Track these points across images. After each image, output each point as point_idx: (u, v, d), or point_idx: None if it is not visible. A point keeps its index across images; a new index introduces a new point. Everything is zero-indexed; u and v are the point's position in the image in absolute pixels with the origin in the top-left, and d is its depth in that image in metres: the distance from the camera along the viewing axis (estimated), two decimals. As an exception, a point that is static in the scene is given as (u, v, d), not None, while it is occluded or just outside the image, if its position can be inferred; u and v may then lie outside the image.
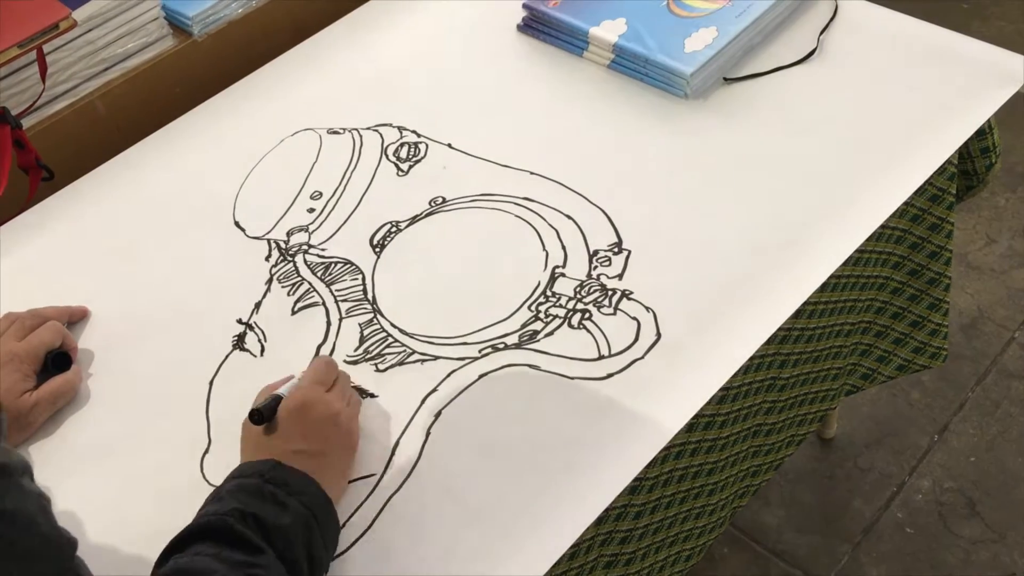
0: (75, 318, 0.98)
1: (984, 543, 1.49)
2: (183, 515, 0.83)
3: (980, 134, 1.08)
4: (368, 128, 1.13)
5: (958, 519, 1.52)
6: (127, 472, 0.87)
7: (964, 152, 1.10)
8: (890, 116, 1.05)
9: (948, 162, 1.04)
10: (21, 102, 1.16)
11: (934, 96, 1.06)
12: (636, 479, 0.84)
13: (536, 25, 1.20)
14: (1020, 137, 2.00)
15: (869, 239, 0.96)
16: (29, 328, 0.92)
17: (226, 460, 0.85)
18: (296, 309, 0.96)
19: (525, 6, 1.20)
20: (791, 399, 1.07)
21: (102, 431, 0.90)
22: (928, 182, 1.04)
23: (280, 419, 0.80)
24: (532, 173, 1.05)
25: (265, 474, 0.74)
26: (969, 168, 1.13)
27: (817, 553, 1.50)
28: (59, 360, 0.92)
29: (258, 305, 0.97)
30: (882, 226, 0.98)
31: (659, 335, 0.89)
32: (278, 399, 0.82)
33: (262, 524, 0.71)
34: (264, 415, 0.80)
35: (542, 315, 0.92)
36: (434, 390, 0.88)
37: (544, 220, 1.00)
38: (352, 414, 0.84)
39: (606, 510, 0.81)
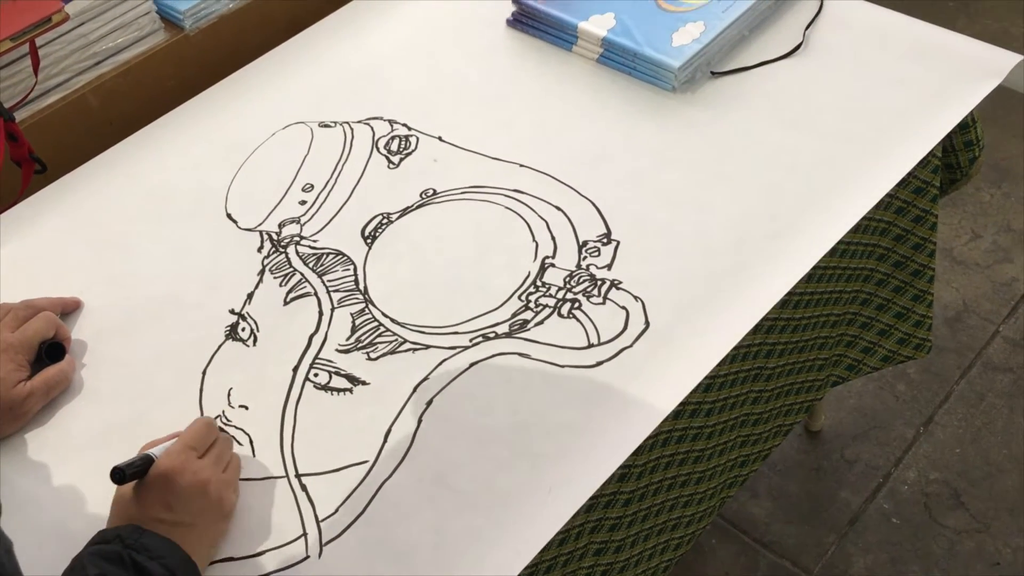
0: (68, 309, 0.99)
1: (969, 533, 1.50)
2: (177, 502, 0.84)
3: (963, 127, 1.10)
4: (359, 121, 1.14)
5: (943, 510, 1.53)
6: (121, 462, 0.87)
7: (948, 145, 1.12)
8: (874, 109, 1.07)
9: (932, 155, 1.06)
10: (14, 95, 1.17)
11: (918, 89, 1.08)
12: (625, 466, 0.85)
13: (525, 20, 1.21)
14: (1005, 133, 2.02)
15: (854, 231, 0.98)
16: (23, 319, 0.92)
17: (219, 448, 0.86)
18: (288, 299, 0.97)
19: (515, 1, 1.21)
20: (777, 389, 1.09)
21: (96, 421, 0.91)
22: (912, 175, 1.05)
23: (147, 484, 0.77)
24: (522, 166, 1.06)
25: (125, 539, 0.73)
26: (953, 161, 1.14)
27: (804, 544, 1.52)
28: (53, 350, 0.93)
29: (250, 296, 0.98)
30: (867, 218, 1.00)
31: (647, 324, 0.91)
32: (149, 460, 0.78)
33: None
34: (125, 475, 0.77)
35: (532, 305, 0.93)
36: (425, 378, 0.89)
37: (534, 211, 1.01)
38: (226, 481, 0.81)
39: (595, 497, 0.83)
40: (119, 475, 0.77)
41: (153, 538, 0.73)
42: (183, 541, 0.75)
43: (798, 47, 1.14)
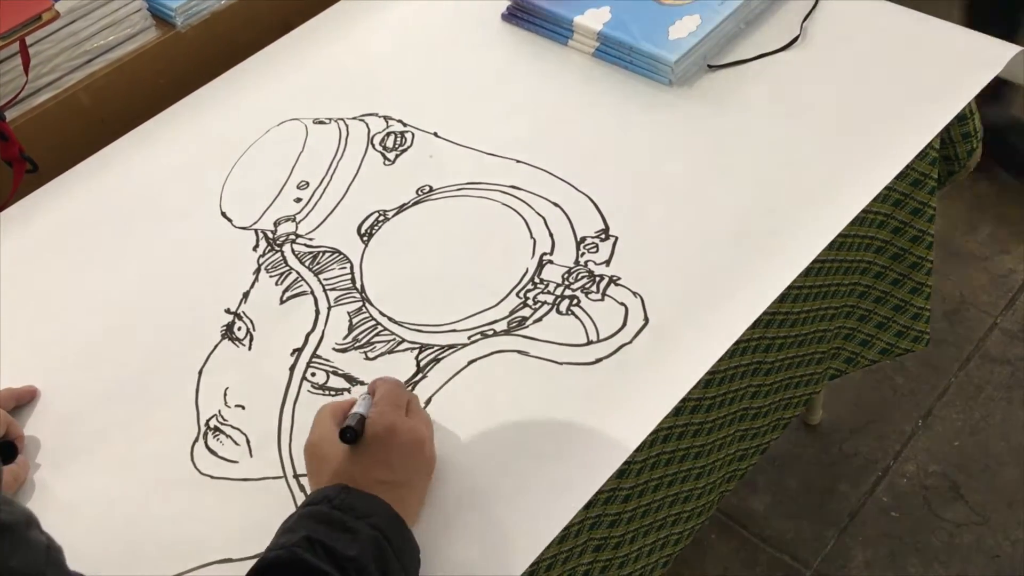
0: (23, 401, 0.91)
1: (968, 526, 1.50)
2: (173, 504, 0.84)
3: (961, 119, 1.09)
4: (354, 118, 1.13)
5: (942, 502, 1.53)
6: (117, 462, 0.87)
7: (946, 137, 1.12)
8: (872, 101, 1.06)
9: (930, 147, 1.05)
10: (4, 94, 1.16)
11: (915, 81, 1.07)
12: (624, 462, 0.84)
13: (520, 14, 1.20)
14: (1001, 124, 2.02)
15: (852, 223, 0.97)
16: None
17: (214, 448, 0.85)
18: (284, 298, 0.97)
19: (509, -5, 1.20)
20: (776, 383, 1.08)
21: (92, 422, 0.90)
22: (910, 167, 1.05)
23: (364, 444, 0.76)
24: (519, 161, 1.06)
25: (333, 499, 0.72)
26: (951, 153, 1.14)
27: (804, 538, 1.51)
28: (4, 450, 0.86)
29: (246, 295, 0.97)
30: (865, 210, 0.99)
31: (647, 320, 0.90)
32: (363, 418, 0.77)
33: (332, 552, 0.68)
34: (357, 433, 0.75)
35: (530, 302, 0.93)
36: (424, 377, 0.88)
37: (531, 208, 1.01)
38: (431, 437, 0.81)
39: (595, 493, 0.82)
40: (352, 434, 0.75)
41: (360, 497, 0.72)
42: (402, 500, 0.74)
43: (795, 40, 1.14)
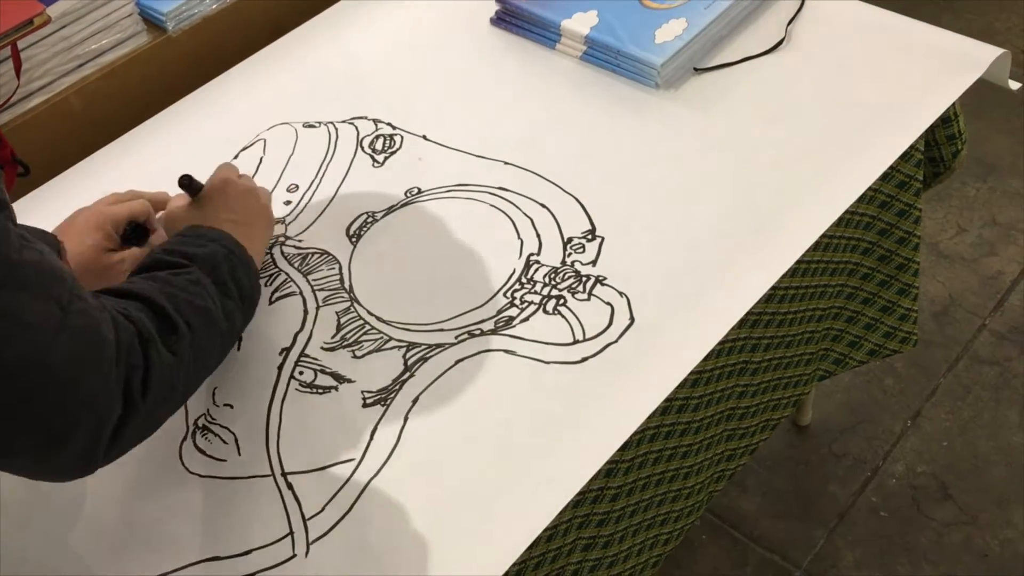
0: (160, 207, 0.99)
1: (957, 525, 1.51)
2: (161, 501, 0.84)
3: (946, 121, 1.11)
4: (343, 121, 1.14)
5: (931, 502, 1.54)
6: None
7: (930, 139, 1.13)
8: (856, 104, 1.07)
9: (915, 149, 1.06)
10: (-4, 98, 1.17)
11: (899, 84, 1.08)
12: (612, 461, 0.85)
13: (509, 18, 1.21)
14: (990, 127, 2.03)
15: (838, 225, 0.98)
16: (123, 199, 0.96)
17: (203, 447, 0.86)
18: (273, 299, 0.97)
19: (498, 0, 1.21)
20: (764, 383, 1.09)
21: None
22: (895, 168, 1.06)
23: (205, 195, 0.93)
24: (506, 163, 1.06)
25: (184, 232, 0.87)
26: (936, 155, 1.15)
27: (793, 538, 1.52)
28: (137, 231, 0.95)
29: (235, 296, 0.98)
30: (851, 212, 1.00)
31: (632, 319, 0.91)
32: (194, 179, 0.93)
33: (186, 254, 0.82)
34: (194, 183, 0.93)
35: (517, 301, 0.94)
36: (411, 376, 0.89)
37: (518, 209, 1.01)
38: (267, 194, 0.99)
39: (583, 492, 0.83)
40: (188, 180, 0.93)
41: (208, 230, 0.86)
42: (245, 237, 0.88)
43: (780, 43, 1.15)
